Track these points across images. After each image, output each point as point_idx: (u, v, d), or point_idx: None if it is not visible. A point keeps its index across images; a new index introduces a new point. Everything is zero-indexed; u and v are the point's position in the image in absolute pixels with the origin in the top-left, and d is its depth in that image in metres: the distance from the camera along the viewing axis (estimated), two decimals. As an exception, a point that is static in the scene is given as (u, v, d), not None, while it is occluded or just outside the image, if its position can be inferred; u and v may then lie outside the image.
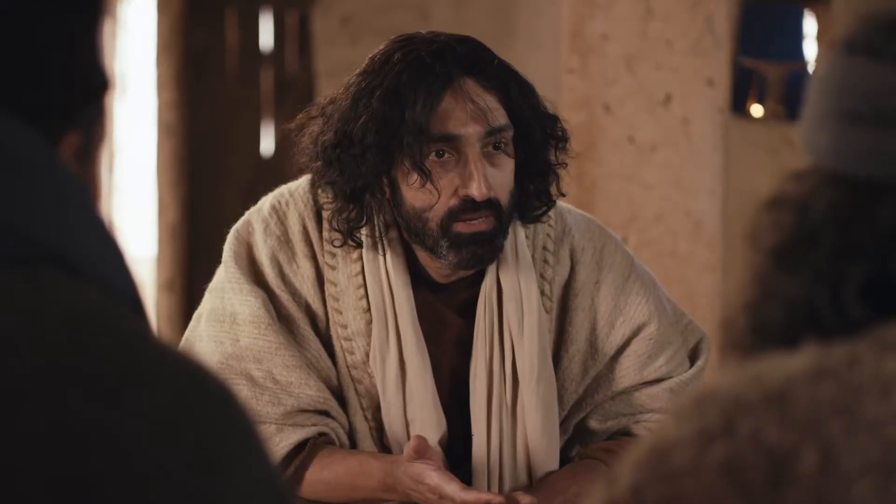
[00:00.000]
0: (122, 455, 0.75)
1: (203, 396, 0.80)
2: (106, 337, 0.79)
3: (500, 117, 1.95)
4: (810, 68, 6.04)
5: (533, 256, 2.09)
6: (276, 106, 6.30)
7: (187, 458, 0.76)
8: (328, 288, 2.05)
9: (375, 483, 1.97)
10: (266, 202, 2.10)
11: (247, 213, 2.11)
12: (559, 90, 3.93)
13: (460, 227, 1.95)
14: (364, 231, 2.02)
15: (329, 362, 2.06)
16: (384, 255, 2.03)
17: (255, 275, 2.06)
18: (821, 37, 5.98)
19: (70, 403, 0.75)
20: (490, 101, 1.94)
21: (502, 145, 1.96)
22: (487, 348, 2.04)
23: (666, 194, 3.95)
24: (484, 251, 1.97)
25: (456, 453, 2.06)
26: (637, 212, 3.94)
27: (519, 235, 2.06)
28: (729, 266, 4.27)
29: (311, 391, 2.02)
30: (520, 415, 2.04)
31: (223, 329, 2.04)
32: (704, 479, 0.79)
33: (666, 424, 0.83)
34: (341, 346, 2.05)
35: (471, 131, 1.93)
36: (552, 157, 2.03)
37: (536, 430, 2.04)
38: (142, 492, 0.75)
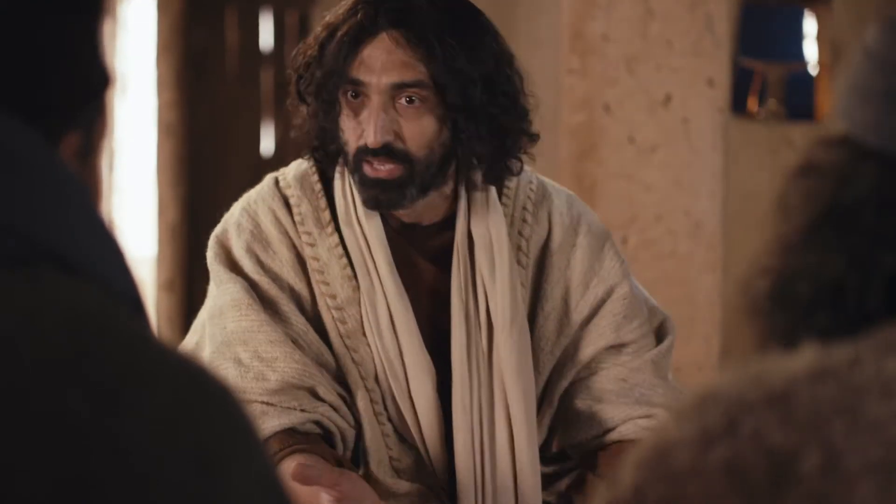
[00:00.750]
0: (121, 455, 0.75)
1: (203, 396, 0.80)
2: (106, 337, 0.79)
3: (411, 73, 2.02)
4: (810, 69, 6.05)
5: (513, 214, 2.16)
6: (275, 106, 6.31)
7: (187, 457, 0.76)
8: (311, 263, 2.11)
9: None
10: (237, 207, 2.18)
11: (222, 221, 2.19)
12: (559, 90, 3.93)
13: (367, 169, 2.04)
14: (338, 168, 2.12)
15: (317, 337, 2.10)
16: (354, 206, 2.10)
17: (234, 270, 2.13)
18: (821, 37, 5.98)
19: (70, 403, 0.75)
20: (407, 56, 2.01)
21: (416, 100, 2.02)
22: (463, 298, 2.10)
23: (666, 194, 3.95)
24: (385, 197, 2.05)
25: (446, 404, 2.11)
26: (637, 212, 3.94)
27: (491, 191, 2.13)
28: (729, 266, 4.27)
29: (296, 364, 2.05)
30: (496, 362, 2.09)
31: (214, 323, 2.10)
32: (706, 479, 0.79)
33: (667, 424, 0.83)
34: (332, 317, 2.10)
35: (376, 81, 2.02)
36: (487, 127, 2.06)
37: (512, 375, 2.08)
38: (142, 492, 0.75)
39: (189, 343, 2.17)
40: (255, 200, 2.15)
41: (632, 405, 2.13)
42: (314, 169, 2.15)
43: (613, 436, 2.13)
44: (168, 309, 5.96)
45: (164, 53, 6.11)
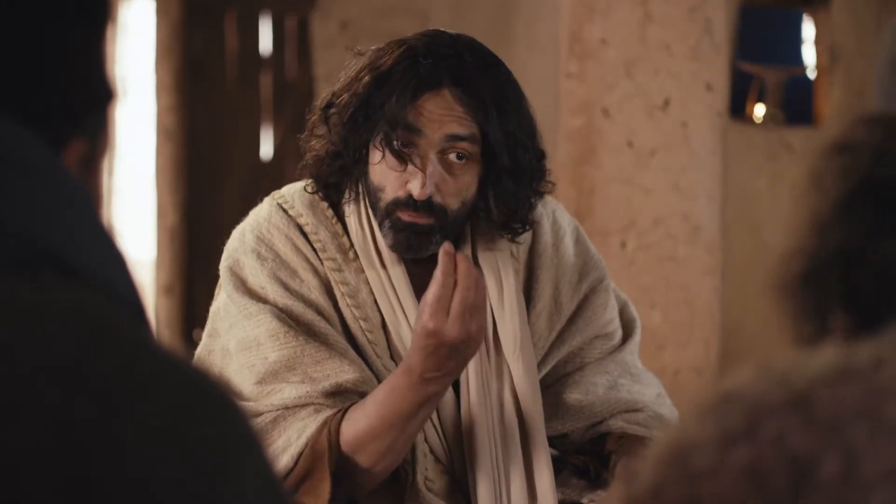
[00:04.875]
0: (122, 458, 0.75)
1: (203, 400, 0.80)
2: (107, 341, 0.79)
3: (465, 128, 2.06)
4: (809, 73, 6.05)
5: None
6: (275, 110, 6.30)
7: (187, 460, 0.77)
8: (340, 288, 2.13)
9: (405, 385, 1.98)
10: (246, 236, 2.17)
11: (228, 252, 2.18)
12: (558, 95, 3.93)
13: (402, 215, 2.08)
14: (348, 196, 2.15)
15: (356, 356, 2.12)
16: (372, 235, 2.14)
17: (259, 299, 2.13)
18: (819, 41, 5.98)
19: (71, 407, 0.75)
20: (464, 113, 2.06)
21: (465, 156, 2.07)
22: None
23: (665, 198, 3.95)
24: (416, 242, 2.10)
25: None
26: (636, 216, 3.94)
27: (496, 231, 2.18)
28: (728, 270, 4.27)
29: (349, 375, 2.07)
30: (506, 381, 2.14)
31: (251, 354, 2.10)
32: (725, 481, 0.79)
33: (687, 423, 0.82)
34: (367, 339, 2.13)
35: (433, 131, 2.06)
36: (523, 188, 2.13)
37: (526, 395, 2.13)
38: (142, 494, 0.75)
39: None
40: (268, 229, 2.16)
41: (617, 400, 2.21)
42: (321, 196, 2.18)
43: (601, 428, 2.20)
44: (167, 313, 5.95)
45: (163, 58, 6.11)
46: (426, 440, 2.13)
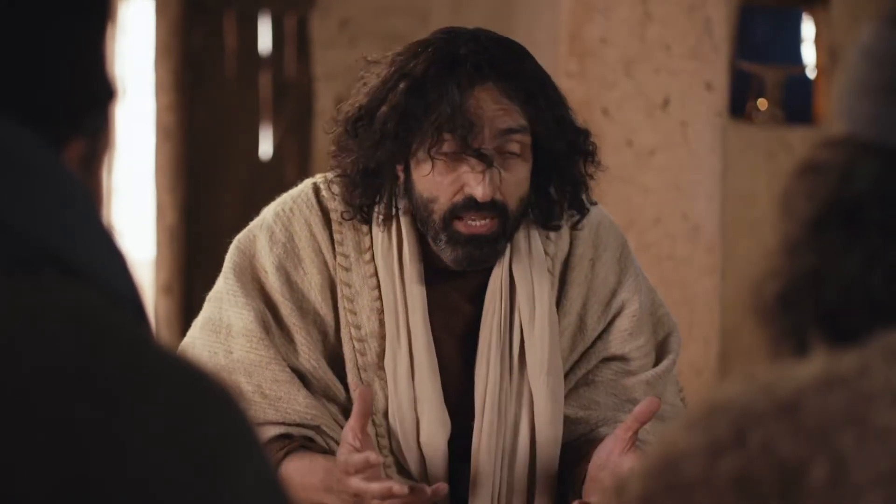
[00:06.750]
0: (122, 457, 0.75)
1: (204, 399, 0.80)
2: (107, 340, 0.79)
3: (516, 120, 1.99)
4: (809, 72, 6.05)
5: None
6: (274, 109, 6.30)
7: (187, 460, 0.77)
8: (342, 289, 2.07)
9: (318, 481, 1.96)
10: (269, 211, 2.11)
11: (250, 225, 2.13)
12: (558, 94, 3.93)
13: (460, 226, 1.99)
14: (378, 211, 2.06)
15: (327, 371, 2.07)
16: (399, 248, 2.06)
17: (256, 284, 2.08)
18: (819, 41, 5.99)
19: (71, 406, 0.75)
20: (510, 106, 1.98)
21: (517, 149, 1.99)
22: (496, 338, 2.06)
23: (664, 198, 3.95)
24: (481, 253, 2.01)
25: (460, 445, 2.07)
26: (635, 215, 3.94)
27: (533, 235, 2.10)
28: (727, 269, 4.28)
29: (299, 406, 2.03)
30: (525, 405, 2.06)
31: (218, 340, 2.06)
32: (715, 491, 0.79)
33: (675, 434, 0.82)
34: (353, 347, 2.06)
35: (487, 129, 1.97)
36: (579, 169, 2.07)
37: (545, 422, 2.05)
38: (142, 494, 0.75)
39: (192, 345, 2.12)
40: (291, 208, 2.09)
41: (619, 418, 2.09)
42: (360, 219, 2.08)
43: (591, 436, 2.10)
44: (166, 312, 5.96)
45: (162, 56, 6.11)
46: (384, 465, 2.05)
